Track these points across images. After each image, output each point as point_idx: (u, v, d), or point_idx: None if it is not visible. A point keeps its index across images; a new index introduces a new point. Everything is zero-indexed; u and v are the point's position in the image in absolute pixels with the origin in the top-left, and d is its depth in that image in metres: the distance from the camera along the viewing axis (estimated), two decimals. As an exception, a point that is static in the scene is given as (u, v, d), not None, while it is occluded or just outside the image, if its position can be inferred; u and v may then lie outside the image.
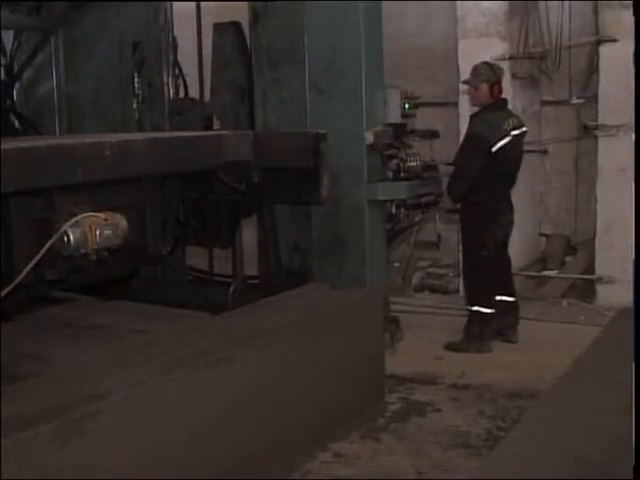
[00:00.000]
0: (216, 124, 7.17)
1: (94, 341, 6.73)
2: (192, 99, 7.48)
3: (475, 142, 6.28)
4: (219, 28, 6.99)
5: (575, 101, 8.28)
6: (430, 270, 8.74)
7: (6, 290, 4.51)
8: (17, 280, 4.52)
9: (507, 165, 6.39)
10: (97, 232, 4.70)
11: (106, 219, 4.79)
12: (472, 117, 6.52)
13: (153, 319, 7.02)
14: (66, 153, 4.73)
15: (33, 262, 4.55)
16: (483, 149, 6.21)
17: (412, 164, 6.46)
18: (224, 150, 5.90)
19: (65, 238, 4.64)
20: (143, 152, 5.26)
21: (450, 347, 6.49)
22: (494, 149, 6.20)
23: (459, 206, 6.55)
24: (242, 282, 6.93)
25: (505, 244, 6.63)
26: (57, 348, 6.53)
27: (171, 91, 7.30)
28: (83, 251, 4.70)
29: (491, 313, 6.47)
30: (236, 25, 6.93)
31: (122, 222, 4.93)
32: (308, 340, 4.71)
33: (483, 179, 6.25)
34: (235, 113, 6.97)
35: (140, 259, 6.02)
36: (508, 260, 6.75)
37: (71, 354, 6.32)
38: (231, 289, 6.91)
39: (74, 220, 4.64)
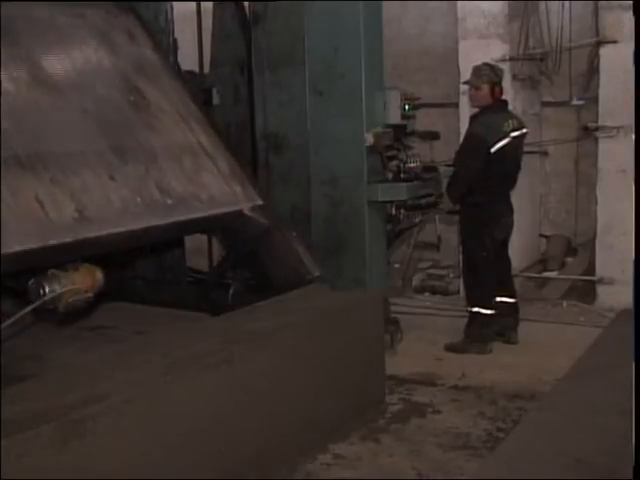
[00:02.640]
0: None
1: (94, 342, 6.72)
2: (191, 72, 7.45)
3: (474, 143, 6.27)
4: (219, 2, 7.01)
5: (575, 102, 8.29)
6: (430, 271, 8.74)
7: None
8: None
9: (506, 166, 6.39)
10: (71, 301, 4.92)
11: (87, 291, 4.98)
12: (472, 118, 6.52)
13: (153, 320, 7.01)
14: (91, 246, 4.94)
15: (13, 319, 4.71)
16: (482, 150, 6.21)
17: (412, 165, 6.46)
18: (233, 226, 6.08)
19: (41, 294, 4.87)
20: (159, 235, 5.54)
21: (450, 348, 6.49)
22: (493, 150, 6.20)
23: (459, 207, 6.55)
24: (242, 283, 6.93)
25: (505, 245, 6.63)
26: (57, 349, 6.51)
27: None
28: (52, 307, 4.92)
29: (491, 314, 6.47)
30: None
31: (100, 281, 5.09)
32: (308, 341, 4.71)
33: (482, 180, 6.25)
34: (234, 85, 6.97)
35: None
36: (508, 261, 6.75)
37: (71, 355, 6.31)
38: (231, 291, 6.91)
39: (58, 292, 4.82)
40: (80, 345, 6.65)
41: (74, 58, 5.78)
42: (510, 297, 6.68)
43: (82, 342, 6.76)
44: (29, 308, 4.76)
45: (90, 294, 5.00)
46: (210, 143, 6.16)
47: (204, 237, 7.46)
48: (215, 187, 5.92)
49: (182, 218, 5.54)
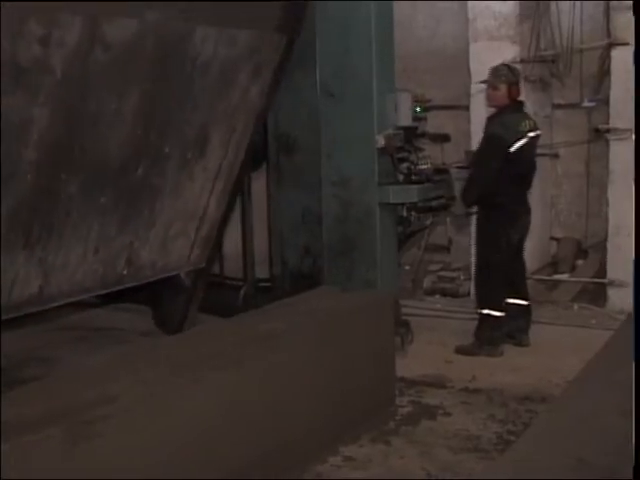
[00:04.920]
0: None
1: (101, 344, 6.72)
2: None
3: (494, 143, 6.24)
4: None
5: (586, 104, 8.26)
6: (441, 273, 8.72)
7: None
8: None
9: (523, 167, 6.37)
10: None
11: None
12: (489, 119, 6.49)
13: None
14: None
15: None
16: (502, 150, 6.18)
17: (423, 167, 6.46)
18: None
19: None
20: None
21: (461, 350, 6.47)
22: (512, 150, 6.18)
23: (471, 210, 6.53)
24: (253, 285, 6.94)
25: (521, 247, 6.59)
26: (64, 351, 6.53)
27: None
28: None
29: (502, 316, 6.45)
30: None
31: None
32: (319, 343, 4.71)
33: (501, 181, 6.22)
34: None
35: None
36: (523, 263, 6.72)
37: (78, 357, 6.31)
38: (242, 292, 6.92)
39: None
40: (87, 347, 6.66)
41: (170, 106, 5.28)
42: (523, 299, 6.66)
43: (89, 344, 6.78)
44: None
45: None
46: (216, 206, 6.14)
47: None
48: (176, 253, 6.00)
49: (127, 285, 5.69)
